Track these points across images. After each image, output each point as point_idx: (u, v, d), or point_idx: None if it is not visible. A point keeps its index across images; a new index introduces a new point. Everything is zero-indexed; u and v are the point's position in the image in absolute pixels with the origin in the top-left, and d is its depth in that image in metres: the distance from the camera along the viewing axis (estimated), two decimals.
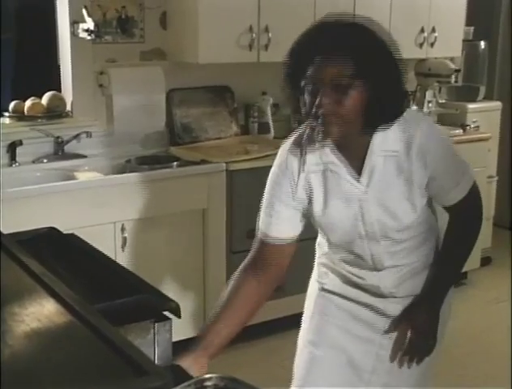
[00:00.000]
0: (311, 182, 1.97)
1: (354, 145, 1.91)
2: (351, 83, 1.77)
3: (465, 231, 2.09)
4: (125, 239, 3.45)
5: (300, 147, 1.98)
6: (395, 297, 2.08)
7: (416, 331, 2.04)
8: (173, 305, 1.55)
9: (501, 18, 5.20)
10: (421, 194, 1.95)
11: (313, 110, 1.80)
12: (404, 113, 1.90)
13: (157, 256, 3.57)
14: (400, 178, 1.92)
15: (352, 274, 2.10)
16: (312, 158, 1.95)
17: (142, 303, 1.54)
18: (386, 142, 1.90)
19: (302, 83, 1.82)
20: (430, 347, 2.06)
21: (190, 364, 1.69)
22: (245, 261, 2.03)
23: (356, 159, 1.93)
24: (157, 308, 1.54)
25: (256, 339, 3.79)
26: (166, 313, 1.55)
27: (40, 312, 1.19)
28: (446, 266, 2.09)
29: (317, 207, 1.98)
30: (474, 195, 2.05)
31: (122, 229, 3.44)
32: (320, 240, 2.19)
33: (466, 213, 2.07)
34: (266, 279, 2.00)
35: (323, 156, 1.94)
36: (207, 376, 1.37)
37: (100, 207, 3.35)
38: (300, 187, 1.98)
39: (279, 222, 2.02)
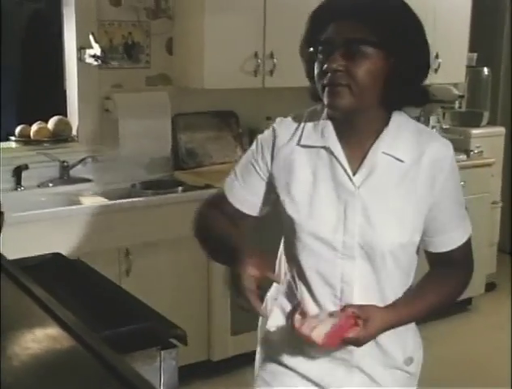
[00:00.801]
0: (296, 160, 1.70)
1: (358, 135, 1.66)
2: (368, 47, 1.55)
3: (454, 285, 1.80)
4: (129, 264, 3.45)
5: (300, 119, 1.75)
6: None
7: (365, 327, 1.61)
8: (180, 333, 1.55)
9: (504, 44, 5.23)
10: (417, 219, 1.68)
11: (321, 78, 1.59)
12: (421, 127, 1.74)
13: (161, 281, 3.57)
14: (400, 189, 1.66)
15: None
16: (310, 132, 1.70)
17: (148, 330, 1.55)
18: (395, 146, 1.65)
19: (315, 47, 1.61)
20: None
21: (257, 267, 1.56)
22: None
23: (355, 153, 1.67)
24: (164, 335, 1.54)
25: (233, 372, 3.76)
26: (172, 340, 1.56)
27: (44, 338, 1.19)
28: (419, 307, 1.74)
29: (298, 188, 1.69)
30: (469, 248, 1.81)
31: (127, 254, 3.44)
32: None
33: (460, 265, 1.80)
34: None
35: (324, 133, 1.68)
36: None
37: (104, 232, 3.36)
38: (279, 161, 1.72)
39: (242, 187, 1.81)
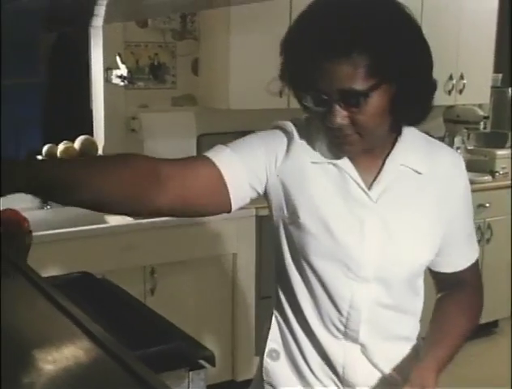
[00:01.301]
0: (307, 176, 1.53)
1: (370, 149, 1.50)
2: (369, 87, 1.35)
3: (475, 307, 1.70)
4: (154, 283, 3.46)
5: (312, 131, 1.56)
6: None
7: None
8: (209, 354, 1.55)
9: None
10: (438, 235, 1.57)
11: (325, 125, 1.43)
12: (429, 137, 1.62)
13: (186, 300, 3.57)
14: (420, 203, 1.54)
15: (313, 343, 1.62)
16: (319, 146, 1.53)
17: (177, 351, 1.55)
18: (410, 157, 1.53)
19: (303, 87, 1.42)
20: None
21: None
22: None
23: (368, 167, 1.53)
24: (192, 356, 1.54)
25: None
26: (201, 361, 1.55)
27: (78, 355, 1.20)
28: (453, 341, 1.62)
29: (308, 206, 1.52)
30: (478, 269, 1.72)
31: (152, 273, 3.45)
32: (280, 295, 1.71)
33: (472, 287, 1.70)
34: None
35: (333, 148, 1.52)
36: None
37: (129, 251, 3.37)
38: (290, 174, 1.54)
39: (232, 159, 1.55)
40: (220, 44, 3.87)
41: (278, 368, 1.68)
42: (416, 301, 1.65)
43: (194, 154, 3.99)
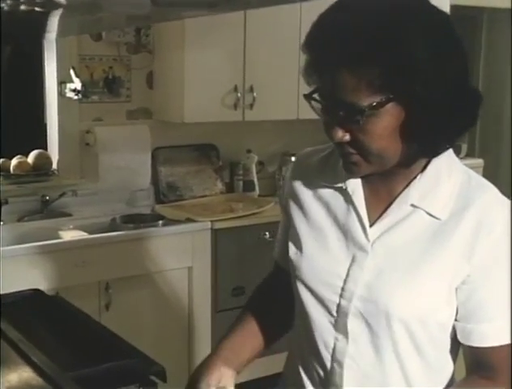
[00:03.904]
0: (309, 198, 1.44)
1: (388, 180, 1.33)
2: (373, 104, 1.18)
3: None
4: (109, 298, 3.43)
5: (322, 152, 1.47)
6: None
7: None
8: (159, 370, 1.54)
9: (480, 75, 5.30)
10: (445, 291, 1.30)
11: (329, 138, 1.28)
12: (473, 174, 1.36)
13: (142, 315, 3.55)
14: (427, 251, 1.29)
15: None
16: (330, 169, 1.42)
17: (127, 367, 1.53)
18: (429, 198, 1.30)
19: (310, 91, 1.27)
20: None
21: (213, 375, 1.46)
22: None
23: (381, 200, 1.35)
24: (143, 372, 1.53)
25: None
26: (152, 377, 1.54)
27: (15, 380, 1.18)
28: None
29: (304, 229, 1.44)
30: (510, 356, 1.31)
31: (107, 288, 3.42)
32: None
33: (500, 375, 1.31)
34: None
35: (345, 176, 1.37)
36: None
37: (84, 266, 3.34)
38: (294, 199, 1.48)
39: (278, 244, 1.60)
40: (175, 58, 3.87)
41: None
42: (433, 381, 1.38)
43: (149, 167, 3.99)
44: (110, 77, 3.91)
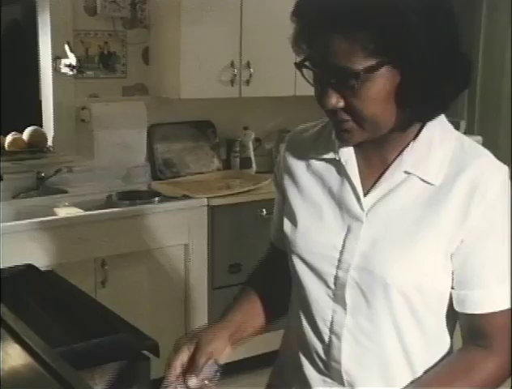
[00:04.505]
0: (302, 172, 1.43)
1: (381, 149, 1.33)
2: (367, 67, 1.17)
3: (481, 372, 1.29)
4: (105, 275, 3.41)
5: (314, 127, 1.46)
6: None
7: None
8: (152, 344, 1.53)
9: (480, 53, 5.26)
10: (441, 257, 1.28)
11: (321, 105, 1.26)
12: (466, 140, 1.34)
13: (138, 292, 3.53)
14: (422, 218, 1.28)
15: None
16: (323, 142, 1.40)
17: (119, 342, 1.52)
18: (423, 164, 1.29)
19: (302, 59, 1.25)
20: None
21: (216, 347, 1.40)
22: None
23: (374, 170, 1.34)
24: (135, 347, 1.52)
25: (244, 374, 3.73)
26: (145, 351, 1.53)
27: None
28: None
29: (298, 203, 1.42)
30: (508, 323, 1.29)
31: (103, 265, 3.40)
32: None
33: (494, 344, 1.28)
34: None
35: (339, 144, 1.35)
36: None
37: (80, 244, 3.32)
38: (287, 175, 1.46)
39: (273, 225, 1.58)
40: (171, 33, 3.83)
41: None
42: (430, 351, 1.36)
43: (145, 143, 3.97)
44: (106, 52, 3.87)
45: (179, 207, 3.61)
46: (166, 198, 3.72)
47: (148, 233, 3.50)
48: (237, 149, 4.34)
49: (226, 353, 1.41)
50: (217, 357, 1.38)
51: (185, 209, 3.60)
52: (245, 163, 4.36)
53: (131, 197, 3.75)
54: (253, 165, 4.36)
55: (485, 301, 1.28)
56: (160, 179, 4.07)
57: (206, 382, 1.35)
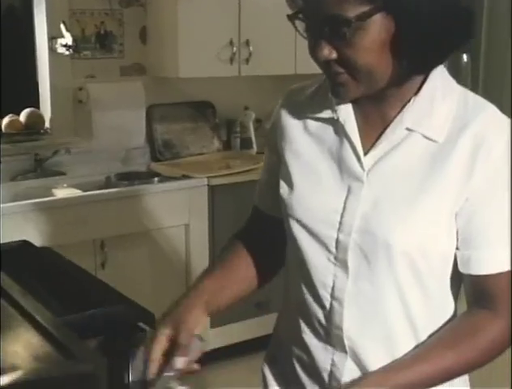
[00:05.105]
0: (299, 133, 1.37)
1: (381, 106, 1.27)
2: (359, 14, 1.12)
3: (486, 337, 1.25)
4: (105, 257, 3.38)
5: (312, 86, 1.40)
6: None
7: None
8: (148, 316, 1.49)
9: (483, 30, 5.20)
10: (446, 217, 1.23)
11: (314, 58, 1.21)
12: (470, 94, 1.27)
13: (138, 273, 3.50)
14: (425, 176, 1.23)
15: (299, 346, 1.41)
16: (320, 101, 1.34)
17: (114, 314, 1.48)
18: (425, 120, 1.23)
19: (295, 12, 1.20)
20: None
21: (195, 321, 1.35)
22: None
23: (374, 128, 1.28)
24: (131, 319, 1.48)
25: (238, 358, 3.71)
26: (141, 324, 1.49)
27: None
28: (427, 369, 1.24)
29: (295, 165, 1.36)
30: (509, 284, 1.24)
31: (102, 246, 3.37)
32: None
33: (498, 305, 1.24)
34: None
35: (337, 102, 1.30)
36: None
37: (79, 224, 3.28)
38: (283, 137, 1.39)
39: (260, 188, 1.53)
40: (168, 11, 3.77)
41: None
42: (434, 315, 1.31)
43: (144, 124, 3.93)
44: (102, 32, 3.83)
45: (179, 187, 3.57)
46: (166, 179, 3.69)
47: (148, 214, 3.46)
48: (238, 130, 4.30)
49: (203, 324, 1.37)
50: (198, 332, 1.33)
51: (185, 189, 3.56)
52: (246, 143, 4.31)
53: (130, 178, 3.72)
54: (254, 146, 4.31)
55: (490, 261, 1.23)
56: (159, 160, 4.03)
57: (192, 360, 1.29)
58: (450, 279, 1.29)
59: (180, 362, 1.27)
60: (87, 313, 1.44)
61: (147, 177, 3.73)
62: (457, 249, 1.25)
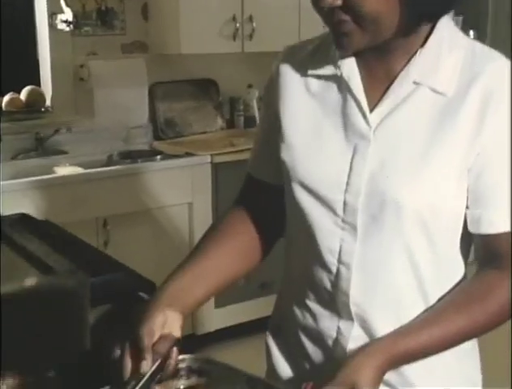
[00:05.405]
0: (299, 91, 1.29)
1: (386, 59, 1.21)
2: None
3: (498, 297, 1.20)
4: (107, 235, 3.33)
5: (313, 42, 1.33)
6: None
7: None
8: (149, 285, 1.44)
9: (490, 6, 5.13)
10: (456, 173, 1.18)
11: (318, 9, 1.16)
12: (477, 45, 1.23)
13: (142, 252, 3.45)
14: (434, 132, 1.17)
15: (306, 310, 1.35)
16: (322, 58, 1.27)
17: (114, 282, 1.44)
18: (433, 73, 1.18)
19: None
20: None
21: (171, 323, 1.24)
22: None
23: (379, 83, 1.22)
24: (131, 287, 1.43)
25: (243, 339, 3.67)
26: (141, 293, 1.45)
27: None
28: (439, 331, 1.18)
29: (295, 125, 1.29)
30: None
31: (105, 225, 3.32)
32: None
33: (505, 263, 1.20)
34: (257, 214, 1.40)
35: (340, 57, 1.24)
36: (180, 357, 1.24)
37: (81, 203, 3.24)
38: (283, 97, 1.31)
39: (254, 153, 1.47)
40: None
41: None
42: (443, 278, 1.26)
43: (146, 103, 3.88)
44: (103, 8, 3.77)
45: (182, 165, 3.52)
46: (168, 156, 3.64)
47: (151, 192, 3.42)
48: (241, 108, 4.26)
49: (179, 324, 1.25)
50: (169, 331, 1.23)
51: (188, 166, 3.52)
52: (250, 122, 4.26)
53: (133, 156, 3.68)
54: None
55: (500, 219, 1.18)
56: (162, 139, 3.99)
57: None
58: (460, 241, 1.24)
59: (143, 366, 1.16)
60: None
61: (150, 155, 3.69)
62: (467, 208, 1.20)
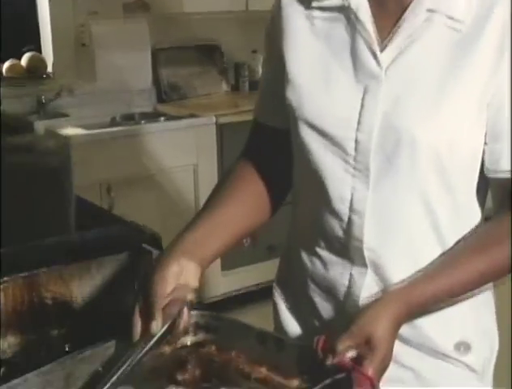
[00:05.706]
0: (304, 27, 1.20)
1: None
2: None
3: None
4: (112, 201, 3.28)
5: None
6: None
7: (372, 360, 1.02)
8: (153, 237, 1.39)
9: None
10: (475, 108, 1.11)
11: None
12: None
13: (147, 217, 3.34)
14: (452, 65, 1.10)
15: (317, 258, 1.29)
16: None
17: (118, 233, 1.39)
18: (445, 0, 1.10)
19: None
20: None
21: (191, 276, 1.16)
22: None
23: (390, 17, 1.13)
24: (135, 239, 1.38)
25: (251, 304, 3.62)
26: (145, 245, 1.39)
27: None
28: (458, 276, 1.12)
29: (301, 64, 1.21)
30: None
31: (109, 190, 3.27)
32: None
33: None
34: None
35: None
36: None
37: (83, 166, 3.17)
38: (285, 34, 1.23)
39: (260, 96, 1.38)
40: None
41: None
42: (458, 223, 1.20)
43: (149, 65, 3.82)
44: None
45: (186, 126, 3.47)
46: (173, 117, 3.58)
47: (155, 155, 3.37)
48: (246, 73, 4.21)
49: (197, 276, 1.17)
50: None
51: (193, 127, 3.46)
52: (255, 87, 4.18)
53: (136, 118, 3.64)
54: None
55: None
56: (165, 102, 3.93)
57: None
58: (476, 191, 1.19)
59: (153, 327, 1.09)
60: (90, 232, 1.35)
61: (154, 117, 3.64)
62: (485, 144, 1.13)
